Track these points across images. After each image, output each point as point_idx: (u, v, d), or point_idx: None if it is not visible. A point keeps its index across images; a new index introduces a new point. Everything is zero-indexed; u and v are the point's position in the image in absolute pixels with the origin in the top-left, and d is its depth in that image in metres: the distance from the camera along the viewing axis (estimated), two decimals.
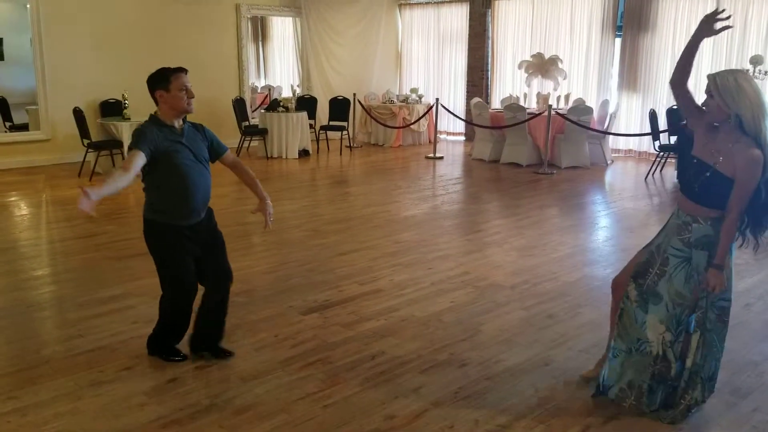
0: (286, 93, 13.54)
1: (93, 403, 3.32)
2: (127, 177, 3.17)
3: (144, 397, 3.37)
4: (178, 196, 3.46)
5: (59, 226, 6.91)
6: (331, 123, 12.21)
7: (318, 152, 11.88)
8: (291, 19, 13.32)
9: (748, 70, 8.51)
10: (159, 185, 3.45)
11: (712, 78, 2.94)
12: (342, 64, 13.73)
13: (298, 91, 13.24)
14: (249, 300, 4.71)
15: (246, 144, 11.40)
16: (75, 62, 10.06)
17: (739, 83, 2.87)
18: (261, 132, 11.11)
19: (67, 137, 9.97)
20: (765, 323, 4.39)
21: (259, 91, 13.98)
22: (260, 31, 14.27)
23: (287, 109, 11.17)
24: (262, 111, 11.46)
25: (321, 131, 12.13)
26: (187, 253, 3.55)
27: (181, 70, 3.46)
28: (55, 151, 10.14)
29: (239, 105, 11.10)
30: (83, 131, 9.11)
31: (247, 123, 11.31)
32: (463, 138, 13.75)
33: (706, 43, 10.08)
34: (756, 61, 8.67)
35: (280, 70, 14.75)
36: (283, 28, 14.10)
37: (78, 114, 9.11)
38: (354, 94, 12.43)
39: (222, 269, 3.71)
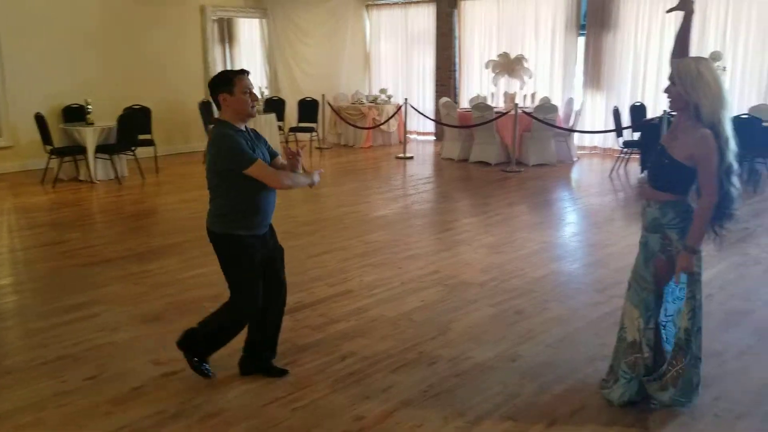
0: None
1: (56, 413, 3.27)
2: (290, 178, 3.36)
3: (109, 406, 3.32)
4: (255, 205, 3.36)
5: (22, 235, 6.77)
6: (300, 124, 12.16)
7: None
8: (258, 20, 13.24)
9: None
10: (236, 194, 3.31)
11: (675, 64, 2.99)
12: (310, 65, 13.69)
13: (266, 92, 13.16)
14: (217, 305, 4.62)
15: None
16: (36, 67, 9.87)
17: (699, 71, 2.90)
18: None
19: (29, 144, 9.77)
20: (726, 313, 4.48)
21: None
22: (227, 33, 14.16)
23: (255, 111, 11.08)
24: None
25: (290, 133, 12.08)
26: (260, 266, 3.46)
27: (245, 72, 3.34)
28: (18, 158, 9.94)
29: (206, 108, 10.98)
30: (46, 137, 8.94)
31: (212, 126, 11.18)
32: (432, 138, 13.79)
33: (666, 40, 10.30)
34: (715, 57, 8.84)
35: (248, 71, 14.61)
36: (250, 30, 14.00)
37: (40, 120, 8.95)
38: (323, 95, 12.40)
39: (283, 283, 3.65)
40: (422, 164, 11.11)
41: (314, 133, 12.09)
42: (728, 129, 2.93)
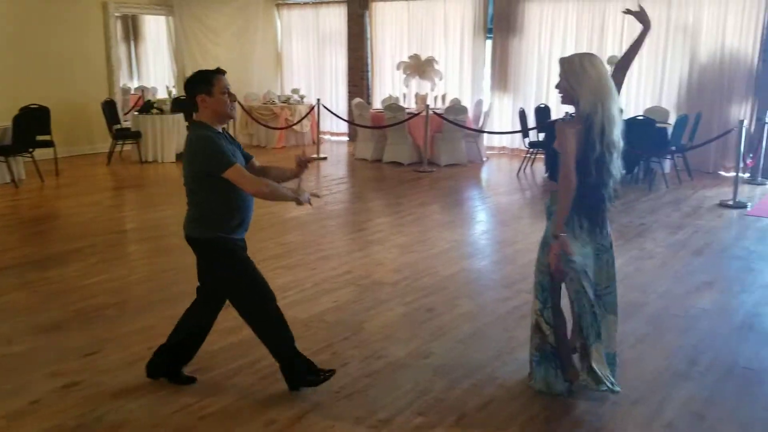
0: (162, 94, 13.06)
1: None
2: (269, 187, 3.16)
3: (3, 422, 3.14)
4: (237, 208, 3.21)
5: None
6: None
7: None
8: (164, 17, 12.86)
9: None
10: (217, 197, 3.17)
11: (562, 61, 3.13)
12: (219, 64, 12.94)
13: (174, 92, 12.80)
14: (121, 312, 4.51)
15: (118, 148, 10.87)
16: None
17: (583, 65, 3.03)
18: (134, 135, 10.65)
19: None
20: (624, 305, 4.66)
21: (132, 92, 13.41)
22: (132, 31, 13.69)
23: (162, 111, 10.78)
24: (135, 113, 10.99)
25: None
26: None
27: (222, 72, 3.22)
28: None
29: (109, 107, 10.57)
30: None
31: (118, 126, 10.79)
32: (346, 138, 13.80)
33: (568, 44, 10.72)
34: (612, 61, 9.25)
35: (155, 70, 14.22)
36: (156, 28, 13.58)
37: None
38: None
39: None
40: (336, 164, 11.10)
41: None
42: (606, 120, 3.00)
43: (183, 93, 12.52)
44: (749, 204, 7.88)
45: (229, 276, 3.31)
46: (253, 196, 3.17)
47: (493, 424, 3.17)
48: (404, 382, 3.56)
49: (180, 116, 10.95)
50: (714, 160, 9.95)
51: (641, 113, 9.54)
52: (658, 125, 8.86)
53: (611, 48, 10.42)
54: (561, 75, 3.12)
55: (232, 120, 3.25)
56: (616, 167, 3.09)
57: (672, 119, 9.54)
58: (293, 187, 3.31)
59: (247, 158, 3.39)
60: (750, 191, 8.68)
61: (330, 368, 3.47)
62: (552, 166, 3.25)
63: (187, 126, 3.30)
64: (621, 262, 5.60)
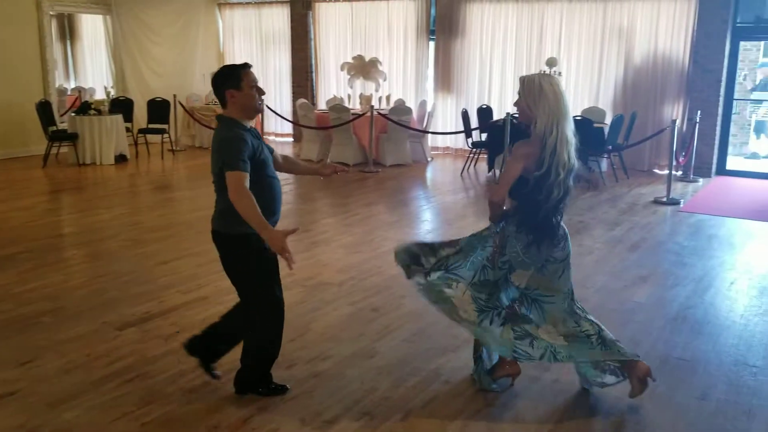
0: (100, 95, 12.73)
1: None
2: (253, 209, 2.95)
3: None
4: (267, 204, 3.11)
5: None
6: (150, 126, 11.64)
7: (137, 157, 11.28)
8: (101, 16, 12.53)
9: (557, 74, 9.28)
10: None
11: (522, 80, 3.16)
12: (160, 65, 13.16)
13: (113, 92, 12.49)
14: (57, 319, 4.37)
15: (54, 150, 10.53)
16: None
17: (541, 86, 3.07)
18: (71, 137, 10.33)
19: None
20: None
21: (68, 93, 13.02)
22: (68, 30, 13.29)
23: (100, 112, 10.49)
24: (72, 114, 10.67)
25: (139, 135, 11.52)
26: (273, 266, 3.26)
27: (249, 66, 3.14)
28: None
29: (44, 108, 10.24)
30: None
31: (54, 128, 10.47)
32: (291, 139, 13.72)
33: (508, 45, 10.92)
34: (551, 63, 9.48)
35: (92, 70, 13.84)
36: (93, 27, 13.21)
37: None
38: (174, 96, 11.95)
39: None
40: None
41: (166, 135, 11.62)
42: (559, 141, 3.07)
43: (123, 94, 12.23)
44: (682, 200, 8.19)
45: (243, 274, 3.23)
46: (232, 201, 3.00)
47: (438, 420, 3.21)
48: (350, 382, 3.57)
49: (119, 117, 10.69)
50: (648, 158, 10.29)
51: (579, 114, 9.78)
52: (595, 125, 9.11)
53: (550, 50, 10.66)
54: (520, 93, 3.16)
55: (259, 114, 3.20)
56: (562, 186, 3.16)
57: (608, 119, 9.82)
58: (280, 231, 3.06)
59: (270, 150, 3.34)
60: (683, 188, 9.01)
61: (283, 384, 3.46)
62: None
63: (217, 118, 3.21)
64: None
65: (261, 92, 3.16)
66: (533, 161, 3.11)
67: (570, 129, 3.14)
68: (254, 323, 3.30)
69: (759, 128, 12.43)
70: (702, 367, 3.80)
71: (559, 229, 3.31)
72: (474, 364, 3.56)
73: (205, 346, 3.47)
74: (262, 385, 3.40)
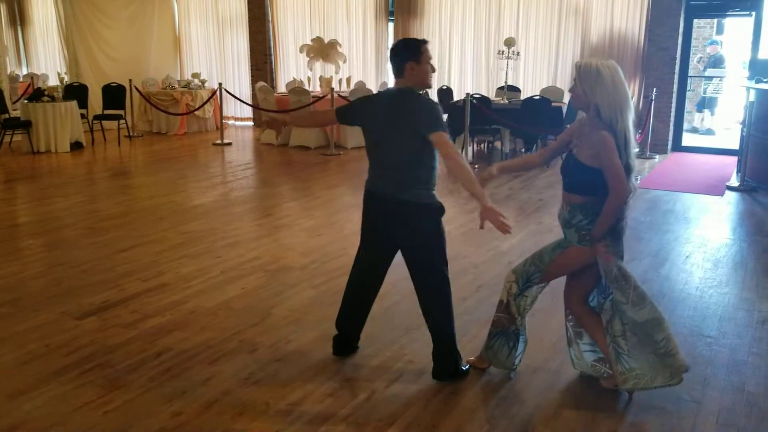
0: (53, 81, 12.41)
1: None
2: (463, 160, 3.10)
3: None
4: (437, 171, 3.27)
5: None
6: (106, 112, 11.40)
7: (93, 144, 11.06)
8: (52, 1, 12.18)
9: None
10: (435, 164, 3.23)
11: (578, 66, 3.04)
12: (114, 49, 12.87)
13: (66, 78, 12.19)
14: (15, 310, 4.29)
15: (7, 139, 10.24)
16: None
17: (600, 71, 2.95)
18: (24, 125, 10.07)
19: None
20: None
21: (20, 80, 12.68)
22: (17, 14, 12.90)
23: (53, 99, 10.24)
24: (25, 101, 10.39)
25: (95, 121, 11.28)
26: None
27: (427, 42, 3.26)
28: None
29: None
30: None
31: (6, 116, 10.19)
32: (251, 123, 13.58)
33: (467, 27, 10.96)
34: (509, 43, 9.54)
35: (45, 56, 13.50)
36: (44, 11, 12.86)
37: None
38: (130, 80, 11.71)
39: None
40: (241, 150, 10.91)
41: (122, 121, 11.39)
42: (628, 129, 2.97)
43: (76, 79, 11.89)
44: (639, 177, 8.34)
45: (439, 241, 3.31)
46: (450, 159, 3.09)
47: (402, 399, 3.24)
48: (314, 364, 3.58)
49: (73, 103, 10.44)
50: None
51: (537, 93, 9.87)
52: (553, 104, 9.21)
53: (508, 30, 10.71)
54: (575, 80, 3.05)
55: (427, 89, 3.40)
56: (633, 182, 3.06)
57: (566, 98, 9.93)
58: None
59: None
60: (639, 165, 9.14)
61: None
62: (573, 174, 3.12)
63: (395, 89, 3.27)
64: (520, 237, 5.85)
65: (433, 69, 3.28)
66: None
67: (632, 118, 3.01)
68: (440, 284, 3.34)
69: (703, 104, 12.68)
70: None
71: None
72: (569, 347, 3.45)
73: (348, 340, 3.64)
74: (460, 363, 3.42)
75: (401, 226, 3.29)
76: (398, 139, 3.21)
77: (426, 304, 3.40)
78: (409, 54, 3.19)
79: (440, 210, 3.28)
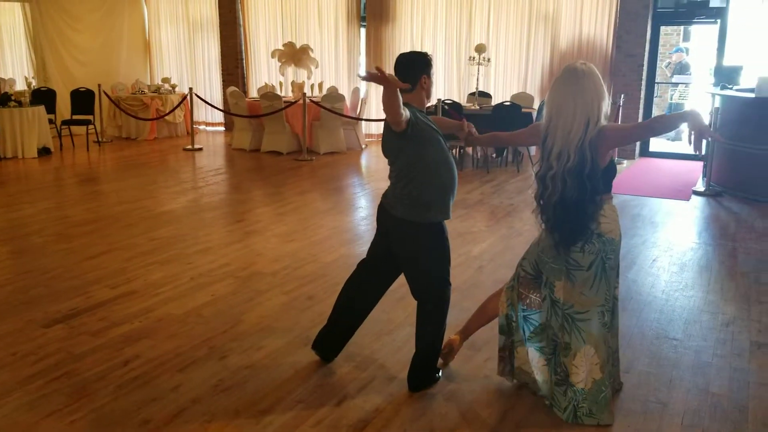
0: (21, 86, 12.20)
1: None
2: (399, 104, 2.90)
3: None
4: (445, 190, 3.19)
5: None
6: (75, 117, 11.25)
7: (61, 149, 10.90)
8: (19, 4, 11.99)
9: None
10: (430, 177, 3.15)
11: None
12: (83, 53, 12.71)
13: (34, 83, 12.00)
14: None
15: None
16: None
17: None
18: None
19: None
20: (494, 282, 4.92)
21: None
22: None
23: (21, 104, 10.07)
24: None
25: (63, 126, 11.11)
26: None
27: None
28: None
29: None
30: None
31: None
32: (222, 128, 13.50)
33: (439, 33, 11.02)
34: (480, 49, 9.62)
35: (12, 60, 13.25)
36: (10, 15, 12.64)
37: None
38: (99, 85, 11.57)
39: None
40: (212, 155, 10.84)
41: (91, 126, 11.24)
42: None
43: (44, 84, 11.71)
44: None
45: (438, 260, 3.30)
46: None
47: (373, 404, 3.25)
48: (285, 370, 3.57)
49: (41, 108, 10.29)
50: None
51: (508, 99, 9.97)
52: (523, 110, 9.30)
53: (479, 36, 10.81)
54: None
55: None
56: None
57: (536, 104, 10.05)
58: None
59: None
60: None
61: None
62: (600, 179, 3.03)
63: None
64: (491, 242, 5.90)
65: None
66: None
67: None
68: (430, 314, 3.32)
69: (670, 110, 12.90)
70: (626, 341, 3.96)
71: None
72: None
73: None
74: (434, 376, 3.44)
75: (398, 242, 3.31)
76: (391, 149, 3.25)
77: (420, 321, 3.38)
78: (426, 67, 3.20)
79: (437, 228, 3.24)
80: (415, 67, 3.17)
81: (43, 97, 10.90)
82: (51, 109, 10.83)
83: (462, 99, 10.73)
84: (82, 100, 11.27)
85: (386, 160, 3.38)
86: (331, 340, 3.62)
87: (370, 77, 2.85)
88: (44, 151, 10.34)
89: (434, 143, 3.16)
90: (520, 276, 3.29)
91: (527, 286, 3.24)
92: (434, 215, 3.20)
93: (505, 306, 3.34)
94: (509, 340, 3.33)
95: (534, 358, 3.23)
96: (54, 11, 12.17)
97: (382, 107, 2.97)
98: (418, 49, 11.22)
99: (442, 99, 9.32)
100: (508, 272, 5.07)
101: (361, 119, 11.10)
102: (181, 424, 3.06)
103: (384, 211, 3.35)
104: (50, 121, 10.67)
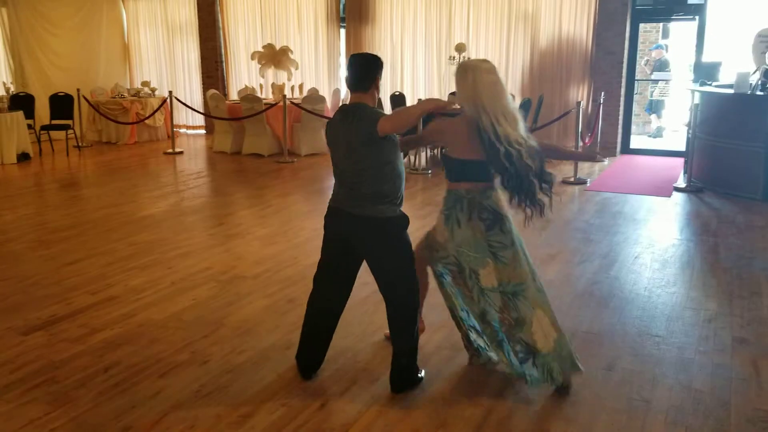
0: None
1: None
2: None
3: None
4: (400, 184, 3.27)
5: None
6: (54, 122, 11.12)
7: (41, 155, 10.78)
8: None
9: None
10: (397, 174, 3.22)
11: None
12: (62, 58, 12.58)
13: (12, 88, 11.86)
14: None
15: None
16: None
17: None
18: None
19: None
20: None
21: None
22: None
23: None
24: None
25: (42, 131, 10.99)
26: None
27: None
28: None
29: None
30: None
31: None
32: (203, 131, 13.43)
33: (419, 33, 11.04)
34: (460, 48, 9.64)
35: None
36: None
37: None
38: (78, 90, 11.45)
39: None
40: (193, 159, 10.77)
41: (70, 131, 11.13)
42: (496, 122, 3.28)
43: (23, 89, 11.57)
44: (588, 180, 8.51)
45: (406, 255, 3.32)
46: (393, 118, 3.14)
47: (355, 406, 3.23)
48: (266, 374, 3.54)
49: (19, 114, 10.16)
50: (556, 140, 10.62)
51: None
52: None
53: (458, 36, 10.83)
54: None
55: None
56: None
57: (517, 103, 10.08)
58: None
59: None
60: (589, 168, 9.37)
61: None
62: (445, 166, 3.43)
63: (351, 107, 3.22)
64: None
65: None
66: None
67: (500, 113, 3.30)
68: (402, 311, 3.34)
69: (651, 107, 13.01)
70: (608, 339, 3.97)
71: None
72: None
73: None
74: (417, 376, 3.44)
75: (367, 241, 3.28)
76: (354, 151, 3.17)
77: (394, 320, 3.37)
78: (380, 69, 3.30)
79: (404, 221, 3.29)
80: (372, 68, 3.26)
81: (22, 102, 10.77)
82: (30, 114, 10.70)
83: (443, 98, 10.73)
84: (61, 104, 11.15)
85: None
86: (310, 353, 3.54)
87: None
88: (23, 157, 10.22)
89: (391, 138, 3.22)
90: (451, 271, 3.43)
91: (456, 280, 3.45)
92: (399, 208, 3.29)
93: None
94: (455, 316, 3.58)
95: (475, 326, 3.48)
96: (32, 16, 12.03)
97: (393, 121, 3.10)
98: (399, 49, 11.32)
99: (423, 99, 9.32)
100: None
101: None
102: (163, 430, 3.02)
103: (340, 215, 3.30)
104: (29, 127, 10.54)
